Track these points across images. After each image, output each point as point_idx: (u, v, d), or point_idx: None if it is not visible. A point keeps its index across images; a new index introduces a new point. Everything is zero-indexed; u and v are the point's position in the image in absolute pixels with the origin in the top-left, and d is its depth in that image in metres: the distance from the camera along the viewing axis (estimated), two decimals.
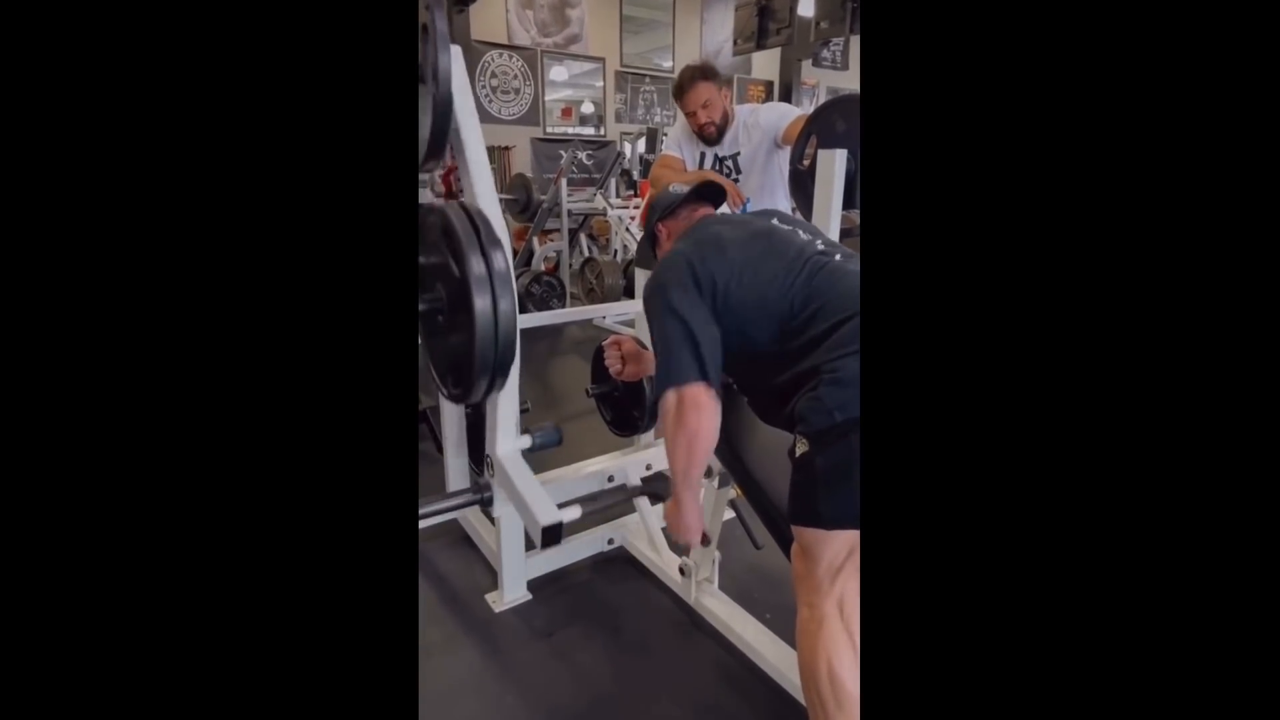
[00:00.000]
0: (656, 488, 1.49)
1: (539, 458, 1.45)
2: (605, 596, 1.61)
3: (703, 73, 2.03)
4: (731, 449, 1.24)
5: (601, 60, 6.73)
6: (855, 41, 5.11)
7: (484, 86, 6.04)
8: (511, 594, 1.58)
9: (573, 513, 1.35)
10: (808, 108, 2.03)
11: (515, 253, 4.40)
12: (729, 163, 2.14)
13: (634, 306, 2.36)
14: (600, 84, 6.81)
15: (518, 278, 4.05)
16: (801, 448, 0.94)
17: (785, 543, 1.16)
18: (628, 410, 1.81)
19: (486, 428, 1.47)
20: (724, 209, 1.84)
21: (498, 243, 1.22)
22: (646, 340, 2.07)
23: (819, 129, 1.76)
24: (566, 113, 6.71)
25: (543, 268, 4.54)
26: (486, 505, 1.48)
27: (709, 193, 1.32)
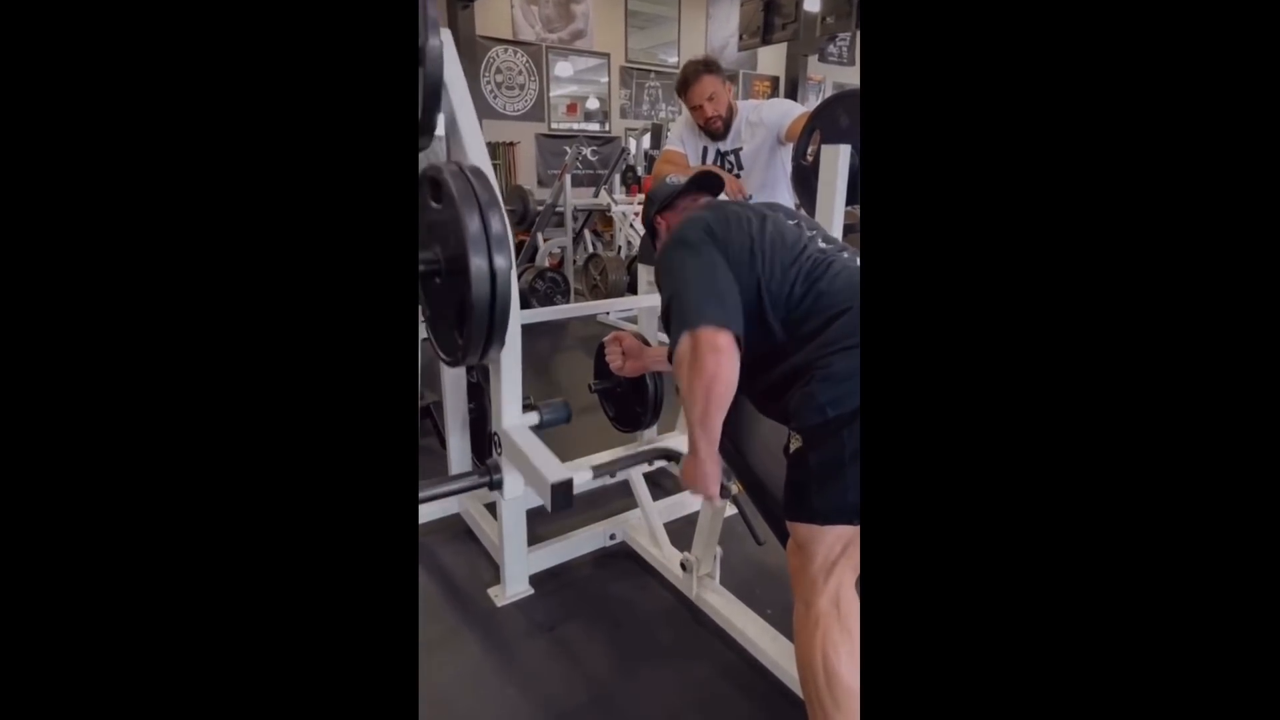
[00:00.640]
0: (673, 455, 1.44)
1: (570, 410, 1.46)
2: (607, 591, 1.61)
3: (706, 66, 2.03)
4: (734, 444, 1.24)
5: (606, 56, 6.72)
6: None
7: (489, 82, 6.04)
8: (513, 588, 1.59)
9: (584, 474, 1.34)
10: (814, 103, 2.03)
11: (519, 248, 4.40)
12: (731, 158, 2.13)
13: (637, 302, 2.36)
14: (605, 80, 6.80)
15: (521, 274, 4.06)
16: (795, 443, 0.94)
17: (786, 538, 1.16)
18: (630, 406, 1.81)
19: (491, 406, 1.48)
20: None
21: (493, 201, 1.23)
22: (649, 335, 2.07)
23: (822, 124, 1.75)
24: (571, 109, 6.70)
25: (547, 264, 4.54)
26: (493, 487, 1.46)
27: (707, 183, 1.32)
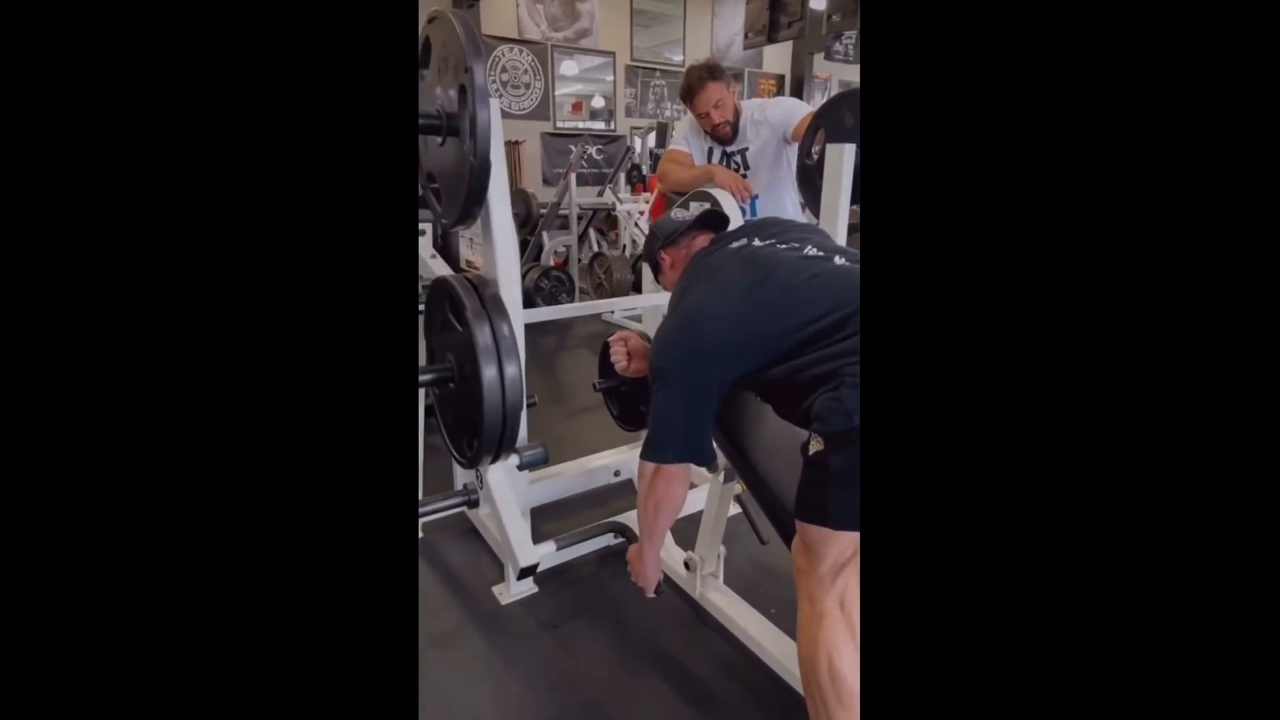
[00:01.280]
0: (628, 533, 1.64)
1: (549, 445, 1.47)
2: (610, 590, 1.62)
3: (710, 72, 2.01)
4: (736, 445, 1.24)
5: (612, 54, 6.72)
6: None
7: (494, 81, 6.04)
8: (518, 586, 1.59)
9: (550, 556, 1.53)
10: (820, 102, 2.02)
11: (524, 247, 4.41)
12: (737, 158, 2.13)
13: (642, 301, 2.36)
14: (610, 78, 6.80)
15: (526, 272, 4.06)
16: (816, 446, 0.94)
17: (790, 538, 1.16)
18: (634, 405, 1.82)
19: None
20: (731, 205, 1.84)
21: (502, 314, 1.26)
22: (652, 334, 2.07)
23: (827, 124, 1.75)
24: (577, 107, 6.70)
25: (551, 262, 4.55)
26: (474, 506, 1.55)
27: (710, 221, 1.33)
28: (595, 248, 4.99)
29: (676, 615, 1.52)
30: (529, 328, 1.41)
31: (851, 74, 7.64)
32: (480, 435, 1.27)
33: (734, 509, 1.43)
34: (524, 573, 1.45)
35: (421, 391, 1.77)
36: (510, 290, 1.37)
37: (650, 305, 2.23)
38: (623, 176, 5.30)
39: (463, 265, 2.38)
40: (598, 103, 6.83)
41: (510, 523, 1.44)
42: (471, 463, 1.40)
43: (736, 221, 1.67)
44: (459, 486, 1.66)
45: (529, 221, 4.47)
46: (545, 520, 1.85)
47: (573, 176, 4.45)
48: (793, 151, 2.01)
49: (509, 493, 1.48)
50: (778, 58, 7.37)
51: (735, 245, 1.20)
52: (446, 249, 2.37)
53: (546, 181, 6.30)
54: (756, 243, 1.19)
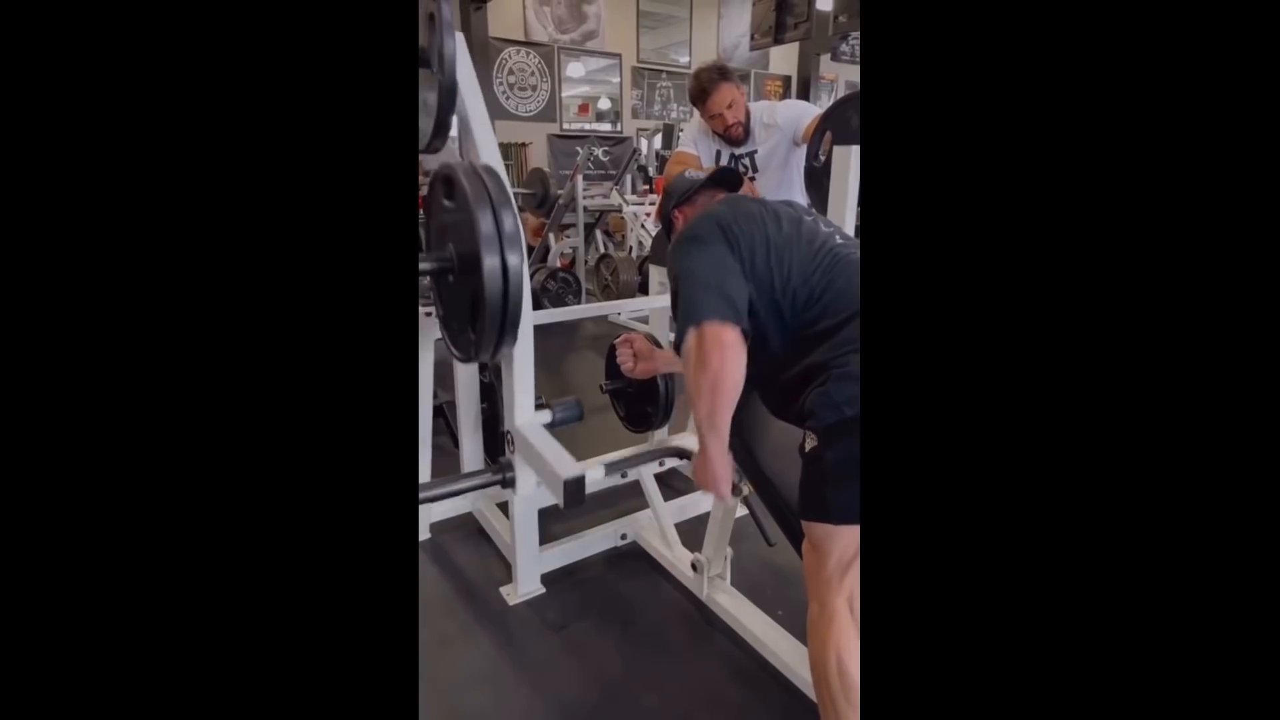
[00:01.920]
0: (687, 454, 1.45)
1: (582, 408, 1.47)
2: (618, 591, 1.62)
3: (722, 74, 1.99)
4: (744, 445, 1.24)
5: (618, 56, 6.73)
6: None
7: (501, 83, 6.06)
8: (525, 587, 1.60)
9: (596, 471, 1.36)
10: (826, 103, 2.01)
11: (531, 249, 4.42)
12: (745, 160, 2.13)
13: (649, 303, 2.36)
14: (617, 80, 6.81)
15: (533, 274, 4.07)
16: (811, 443, 0.94)
17: (798, 539, 1.16)
18: (641, 407, 1.82)
19: (504, 405, 1.49)
20: None
21: (506, 200, 1.24)
22: (660, 336, 2.08)
23: (834, 125, 1.75)
24: (583, 109, 6.72)
25: (558, 264, 4.55)
26: (506, 485, 1.48)
27: (725, 179, 1.32)
28: (602, 249, 5.00)
29: (683, 617, 1.52)
30: (536, 329, 1.41)
31: (857, 75, 7.62)
32: (482, 317, 1.24)
33: (741, 510, 1.43)
34: (569, 488, 1.25)
35: (428, 394, 1.78)
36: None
37: (657, 307, 2.23)
38: (629, 178, 5.30)
39: None
40: (604, 104, 6.84)
41: (548, 448, 1.36)
42: (470, 356, 1.38)
43: None
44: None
45: (545, 202, 4.46)
46: (553, 521, 1.86)
47: (579, 178, 4.46)
48: (802, 153, 2.00)
49: (541, 430, 1.43)
50: (784, 59, 7.36)
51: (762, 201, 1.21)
52: None
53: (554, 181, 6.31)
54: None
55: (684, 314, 0.98)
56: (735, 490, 1.14)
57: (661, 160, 5.44)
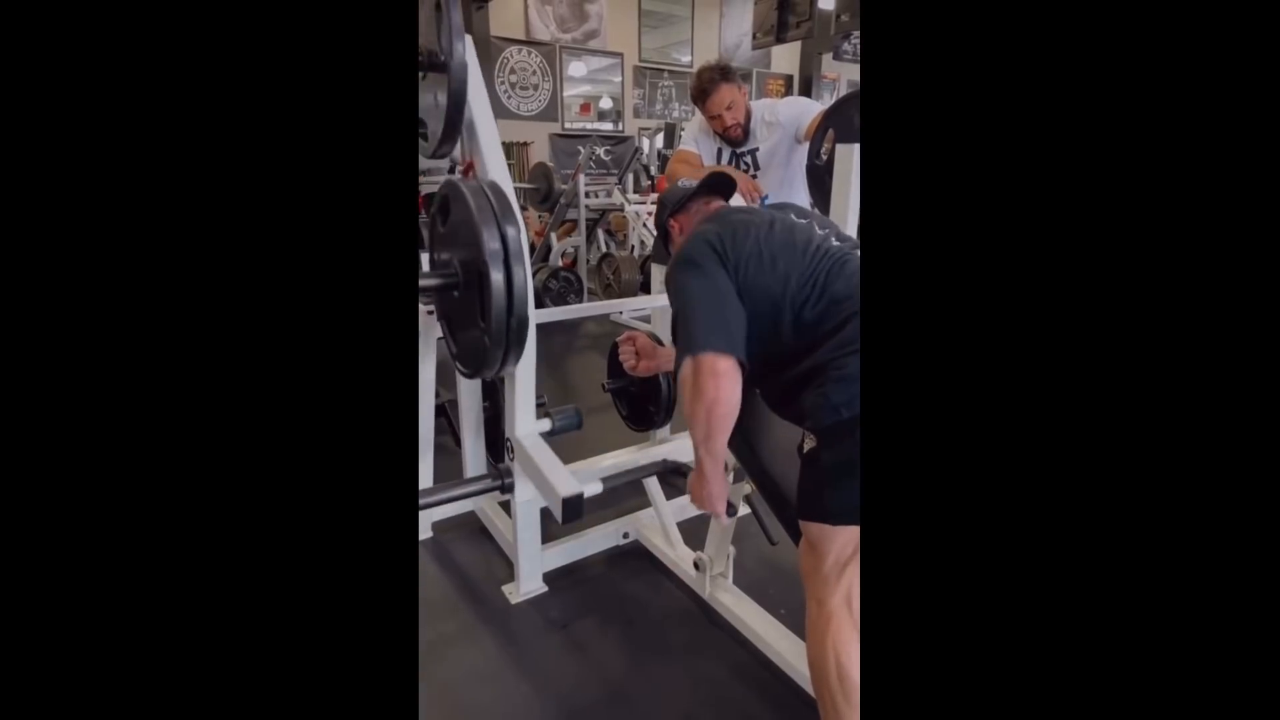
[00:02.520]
0: (682, 469, 1.50)
1: (555, 452, 1.46)
2: (620, 590, 1.62)
3: (723, 74, 2.00)
4: (747, 444, 1.24)
5: (620, 55, 6.73)
6: None
7: (503, 83, 6.07)
8: (528, 586, 1.60)
9: (593, 486, 1.37)
10: (828, 102, 2.01)
11: (533, 248, 4.42)
12: (747, 159, 2.13)
13: (651, 302, 2.36)
14: (619, 79, 6.81)
15: (535, 273, 4.07)
16: (809, 443, 0.95)
17: (799, 538, 1.16)
18: (643, 405, 1.82)
19: (505, 411, 1.49)
20: (737, 202, 1.84)
21: (511, 216, 1.24)
22: (663, 335, 2.08)
23: (836, 124, 1.75)
24: (585, 108, 6.72)
25: (560, 263, 4.56)
26: (505, 491, 1.49)
27: (718, 185, 1.32)
28: (603, 248, 4.99)
29: (686, 615, 1.52)
30: (537, 328, 1.41)
31: (859, 74, 7.61)
32: (488, 328, 1.23)
33: (743, 509, 1.43)
34: (567, 505, 1.29)
35: (430, 393, 1.78)
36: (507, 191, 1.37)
37: (659, 306, 2.23)
38: (631, 177, 5.30)
39: None
40: (606, 104, 6.83)
41: (547, 462, 1.37)
42: (476, 372, 1.37)
43: None
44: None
45: (549, 197, 4.46)
46: (554, 521, 1.85)
47: (581, 177, 4.46)
48: (803, 152, 2.00)
49: (541, 442, 1.44)
50: (786, 58, 7.36)
51: (754, 209, 1.21)
52: None
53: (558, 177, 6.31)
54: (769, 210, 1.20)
55: (681, 343, 1.01)
56: (730, 509, 1.18)
57: (663, 159, 5.44)
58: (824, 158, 1.82)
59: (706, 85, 2.00)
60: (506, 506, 1.79)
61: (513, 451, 1.47)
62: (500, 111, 5.96)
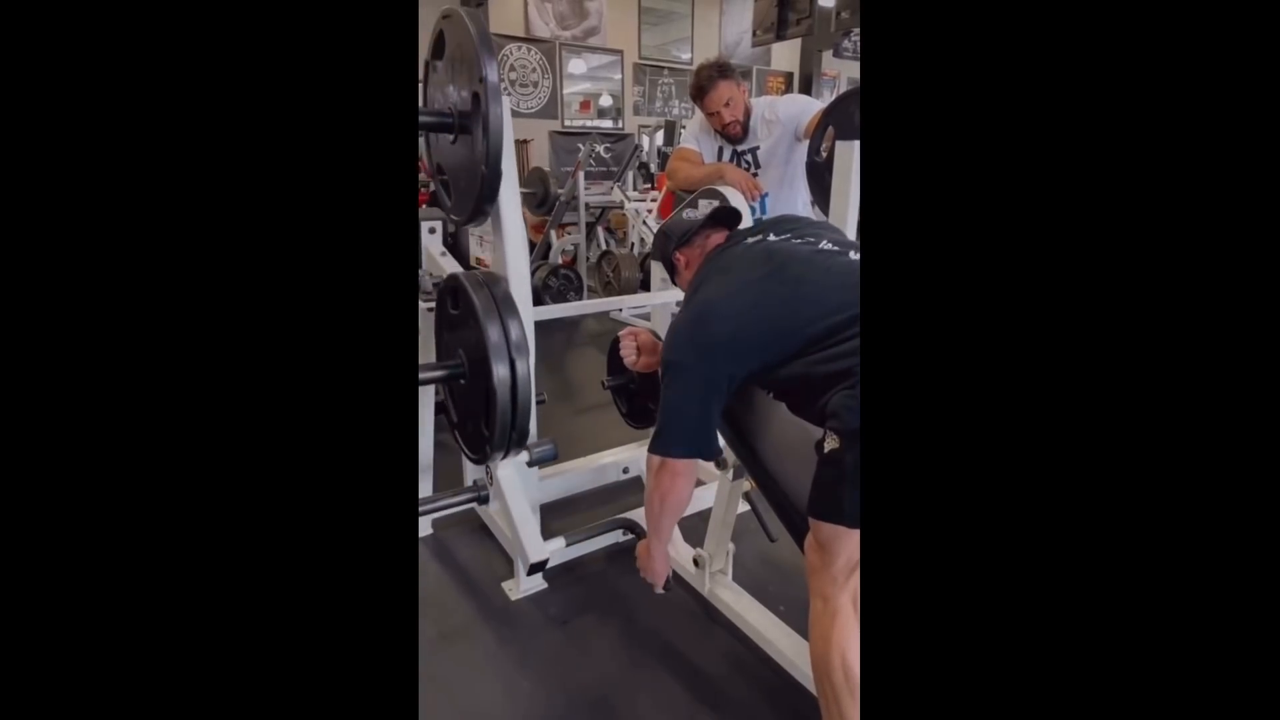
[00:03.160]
0: (637, 529, 1.64)
1: (559, 450, 1.48)
2: (619, 586, 1.62)
3: (721, 71, 2.00)
4: (746, 443, 1.24)
5: (620, 53, 6.71)
6: None
7: (502, 80, 6.04)
8: (527, 582, 1.60)
9: (560, 552, 1.55)
10: (829, 99, 2.01)
11: (533, 246, 4.42)
12: (748, 157, 2.13)
13: (650, 299, 2.36)
14: (619, 76, 6.79)
15: (535, 270, 4.07)
16: (831, 443, 0.94)
17: (800, 536, 1.16)
18: (643, 403, 1.82)
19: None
20: (740, 203, 1.84)
21: (514, 312, 1.27)
22: (663, 331, 2.08)
23: (837, 121, 1.75)
24: (585, 105, 6.70)
25: (560, 260, 4.55)
26: (483, 503, 1.55)
27: (722, 218, 1.33)
28: (603, 246, 4.99)
29: (685, 612, 1.52)
30: (537, 325, 1.41)
31: (859, 71, 7.59)
32: (491, 431, 1.27)
33: (743, 506, 1.43)
34: (533, 568, 1.46)
35: (430, 388, 1.78)
36: (520, 288, 1.38)
37: (659, 303, 2.23)
38: (631, 175, 5.29)
39: (472, 263, 2.39)
40: (605, 101, 6.82)
41: (520, 519, 1.45)
42: (482, 459, 1.40)
43: (747, 220, 1.67)
44: (469, 483, 1.67)
45: (546, 202, 4.46)
46: (554, 517, 1.86)
47: (581, 174, 4.46)
48: (804, 149, 2.00)
49: (519, 489, 1.49)
50: (786, 55, 7.34)
51: (750, 241, 1.21)
52: (456, 246, 2.38)
53: (554, 179, 6.30)
54: (771, 238, 1.19)
55: (658, 438, 1.12)
56: (666, 585, 1.32)
57: (663, 157, 5.43)
58: (824, 155, 1.81)
59: (704, 83, 2.00)
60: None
61: (492, 480, 1.49)
62: None
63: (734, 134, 2.06)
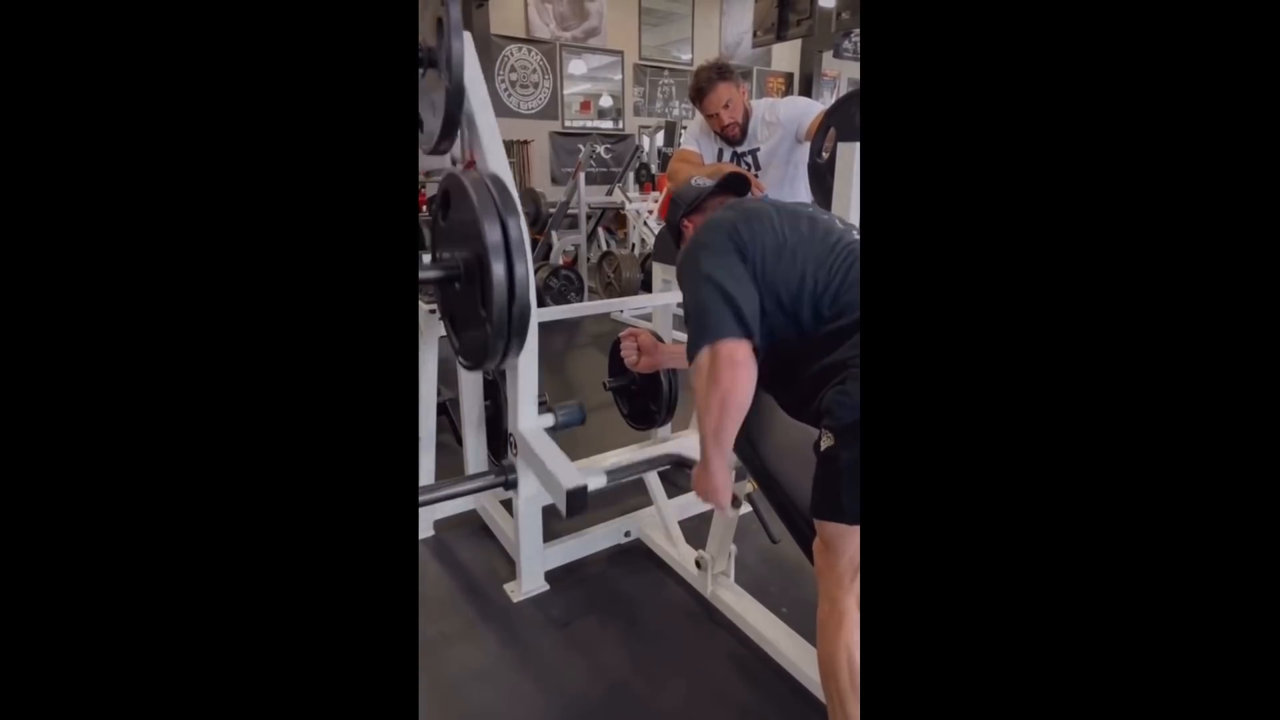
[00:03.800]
0: (686, 461, 1.49)
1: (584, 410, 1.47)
2: (621, 588, 1.62)
3: (719, 72, 1.99)
4: (749, 443, 1.24)
5: (620, 53, 6.72)
6: None
7: (503, 80, 6.06)
8: (529, 584, 1.60)
9: (598, 478, 1.37)
10: (828, 100, 2.01)
11: (534, 244, 4.42)
12: (748, 158, 2.13)
13: (651, 300, 2.36)
14: (619, 77, 6.80)
15: (535, 272, 4.07)
16: (827, 441, 0.94)
17: (802, 537, 1.16)
18: (644, 404, 1.82)
19: (508, 406, 1.49)
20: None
21: (512, 208, 1.23)
22: (663, 333, 2.08)
23: (838, 122, 1.75)
24: (585, 106, 6.71)
25: (561, 261, 4.56)
26: (508, 487, 1.49)
27: (734, 185, 1.31)
28: (604, 247, 4.99)
29: (687, 613, 1.52)
30: (538, 327, 1.41)
31: (859, 72, 7.59)
32: (490, 321, 1.23)
33: (745, 507, 1.43)
34: (571, 499, 1.28)
35: (432, 392, 1.78)
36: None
37: (660, 304, 2.23)
38: (632, 175, 5.30)
39: None
40: (606, 102, 6.83)
41: (549, 455, 1.37)
42: (478, 364, 1.38)
43: None
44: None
45: (538, 220, 4.48)
46: (557, 518, 1.85)
47: (581, 175, 4.46)
48: (804, 151, 2.00)
49: (542, 435, 1.44)
50: (786, 56, 7.35)
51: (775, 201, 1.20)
52: None
53: (555, 181, 6.31)
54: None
55: (697, 330, 1.00)
56: (735, 502, 1.18)
57: (664, 157, 5.43)
58: (825, 156, 1.81)
59: (703, 84, 2.00)
60: (508, 505, 1.79)
61: (515, 447, 1.47)
62: (500, 110, 5.95)
63: (733, 136, 2.06)
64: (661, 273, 2.21)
